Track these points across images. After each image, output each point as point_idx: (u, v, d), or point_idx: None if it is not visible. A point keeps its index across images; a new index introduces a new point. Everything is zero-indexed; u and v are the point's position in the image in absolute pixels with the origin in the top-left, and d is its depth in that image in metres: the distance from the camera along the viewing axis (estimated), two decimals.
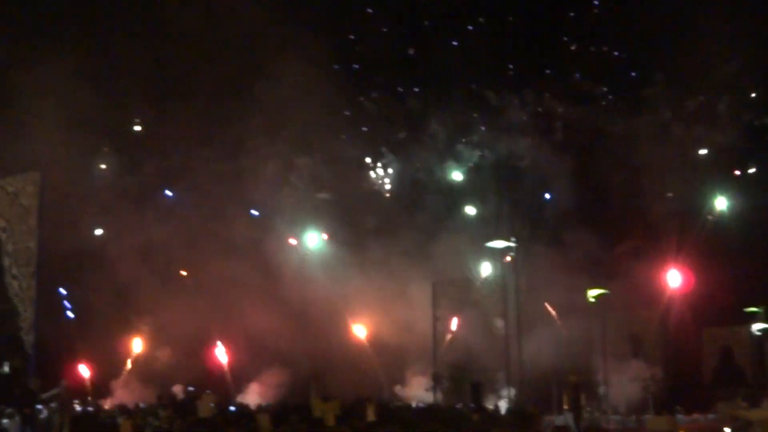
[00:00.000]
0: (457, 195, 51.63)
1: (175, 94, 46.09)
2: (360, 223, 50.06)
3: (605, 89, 49.98)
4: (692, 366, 49.06)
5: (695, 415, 44.32)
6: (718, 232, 49.05)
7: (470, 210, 51.14)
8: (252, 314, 45.91)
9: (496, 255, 47.24)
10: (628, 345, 48.71)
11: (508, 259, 44.83)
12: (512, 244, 44.47)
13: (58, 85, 40.85)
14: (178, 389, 40.01)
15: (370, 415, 30.93)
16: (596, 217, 49.31)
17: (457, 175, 51.60)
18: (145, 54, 44.57)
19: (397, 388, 47.12)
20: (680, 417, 43.58)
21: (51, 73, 40.51)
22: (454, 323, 44.28)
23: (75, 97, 41.47)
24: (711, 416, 43.70)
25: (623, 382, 47.33)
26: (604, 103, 50.06)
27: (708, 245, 49.30)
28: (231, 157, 48.59)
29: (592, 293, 45.34)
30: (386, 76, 50.87)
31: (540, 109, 50.41)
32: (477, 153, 50.97)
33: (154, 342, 45.06)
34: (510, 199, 50.83)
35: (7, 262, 27.83)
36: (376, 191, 51.16)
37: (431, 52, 50.93)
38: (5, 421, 24.22)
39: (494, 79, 50.32)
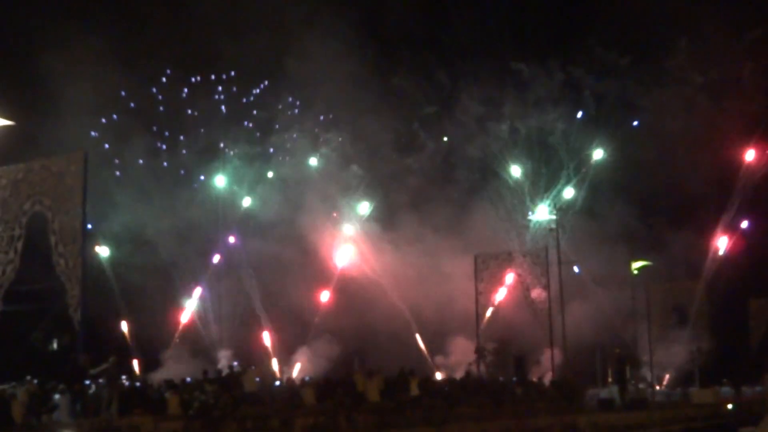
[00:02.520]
0: (494, 169, 51.42)
1: (206, 73, 46.39)
2: (399, 198, 50.13)
3: (630, 59, 49.37)
4: (738, 337, 48.59)
5: (742, 388, 43.94)
6: (761, 201, 48.49)
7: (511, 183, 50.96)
8: (295, 291, 46.22)
9: (539, 228, 47.15)
10: (673, 317, 48.40)
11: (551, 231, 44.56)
12: (554, 217, 44.24)
13: (93, 68, 41.25)
14: (224, 364, 40.48)
15: (414, 389, 30.97)
16: (638, 189, 48.91)
17: (492, 150, 51.37)
18: (175, 35, 44.94)
19: (439, 359, 47.24)
20: (726, 389, 43.24)
21: (87, 56, 40.87)
22: (496, 296, 44.20)
23: (109, 79, 41.86)
24: (758, 388, 43.28)
25: (669, 355, 47.08)
26: (631, 74, 49.54)
27: (752, 214, 48.81)
28: (262, 135, 48.83)
29: (636, 265, 44.94)
30: (414, 52, 50.74)
31: (569, 81, 50.07)
32: (508, 126, 50.66)
33: (200, 318, 45.55)
34: (548, 172, 50.66)
35: (53, 240, 28.01)
36: (411, 167, 51.02)
37: (458, 27, 50.78)
38: (56, 396, 24.62)
39: (521, 53, 50.07)
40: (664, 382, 47.34)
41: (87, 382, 25.96)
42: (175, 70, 45.97)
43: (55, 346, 38.56)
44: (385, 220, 49.72)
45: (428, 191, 50.19)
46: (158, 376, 36.43)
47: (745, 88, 48.12)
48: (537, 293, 41.32)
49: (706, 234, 49.41)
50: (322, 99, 48.25)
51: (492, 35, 49.79)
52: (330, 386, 30.18)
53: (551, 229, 44.35)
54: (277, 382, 34.62)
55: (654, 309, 47.89)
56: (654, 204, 48.81)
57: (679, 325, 48.24)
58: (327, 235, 48.47)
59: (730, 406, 40.50)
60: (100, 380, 25.65)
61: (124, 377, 29.80)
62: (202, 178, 48.24)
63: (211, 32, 45.27)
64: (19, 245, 28.84)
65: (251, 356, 41.69)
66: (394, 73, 50.13)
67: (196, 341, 44.37)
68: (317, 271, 48.03)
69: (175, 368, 38.85)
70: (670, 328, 47.85)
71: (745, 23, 46.63)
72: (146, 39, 44.64)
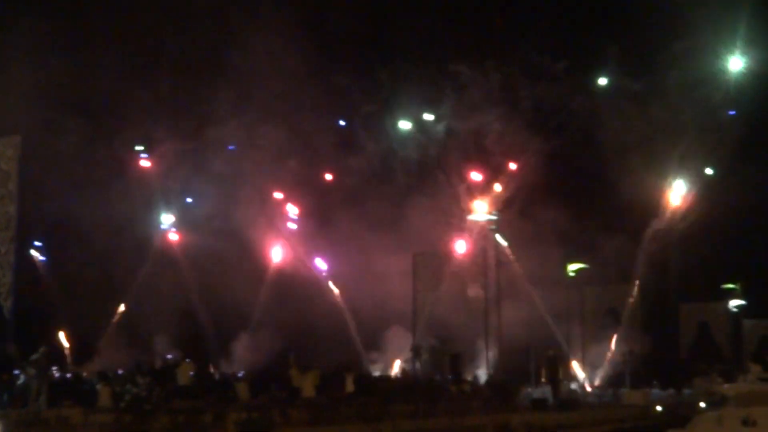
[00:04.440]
0: (432, 169, 51.64)
1: (145, 63, 45.79)
2: (336, 195, 50.11)
3: (564, 65, 50.05)
4: (669, 341, 49.53)
5: (671, 390, 44.81)
6: (694, 209, 49.44)
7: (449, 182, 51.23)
8: (230, 285, 45.91)
9: (477, 228, 47.50)
10: (605, 319, 49.13)
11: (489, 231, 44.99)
12: (493, 218, 44.60)
13: (31, 53, 40.45)
14: (160, 350, 40.19)
15: (349, 386, 31.02)
16: (574, 193, 49.50)
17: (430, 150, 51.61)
18: (115, 25, 44.25)
19: (375, 355, 47.33)
20: (656, 391, 44.08)
21: (25, 41, 40.05)
22: (434, 295, 44.31)
23: (48, 65, 41.06)
24: (687, 391, 44.16)
25: (600, 356, 47.80)
26: (564, 79, 50.25)
27: (683, 221, 49.71)
28: (199, 128, 48.31)
29: (571, 267, 45.56)
30: (354, 51, 50.74)
31: (506, 85, 50.59)
32: (446, 127, 50.96)
33: (134, 310, 44.97)
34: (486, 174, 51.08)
35: None
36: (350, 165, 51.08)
37: (397, 26, 50.96)
38: None
39: (459, 56, 50.44)
40: (596, 383, 48.05)
41: (16, 372, 25.46)
42: (113, 60, 45.25)
43: None
44: (322, 217, 49.69)
45: (366, 190, 50.18)
46: (92, 367, 35.95)
47: (671, 98, 49.04)
48: (474, 291, 41.63)
49: (637, 238, 50.30)
50: (260, 93, 47.84)
51: (430, 37, 50.20)
52: (265, 381, 30.08)
53: (490, 230, 44.75)
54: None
55: (587, 311, 48.61)
56: (587, 208, 49.39)
57: (611, 327, 49.06)
58: (263, 230, 48.21)
59: (659, 408, 41.30)
60: (30, 370, 25.17)
61: (54, 368, 29.27)
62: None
63: (151, 23, 44.68)
64: None
65: (187, 349, 41.22)
66: (334, 70, 50.12)
67: (132, 333, 43.81)
68: (254, 266, 47.76)
69: (110, 360, 38.34)
70: (603, 330, 48.59)
71: (672, 34, 47.60)
72: (84, 27, 43.87)
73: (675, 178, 50.05)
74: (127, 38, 44.47)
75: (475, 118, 50.04)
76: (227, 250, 45.92)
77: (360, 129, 50.90)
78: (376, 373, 43.22)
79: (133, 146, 47.11)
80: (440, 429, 31.32)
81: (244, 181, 48.15)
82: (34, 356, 25.37)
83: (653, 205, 49.88)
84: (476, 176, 50.86)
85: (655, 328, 49.06)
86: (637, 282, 50.04)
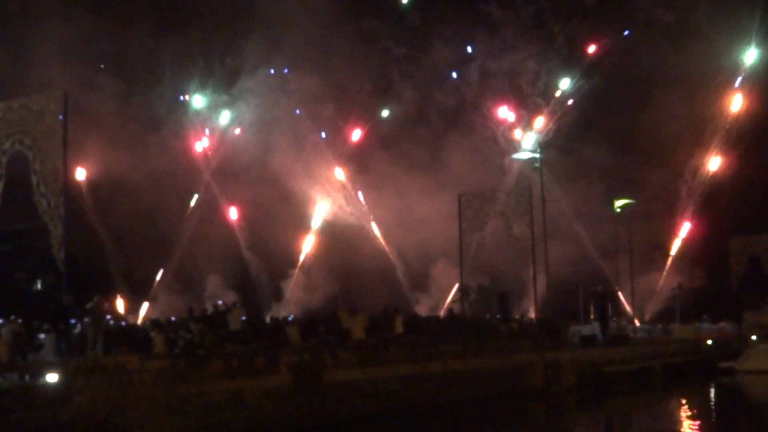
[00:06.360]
0: (471, 110, 51.32)
1: (177, 15, 45.70)
2: (374, 140, 50.08)
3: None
4: (719, 274, 49.06)
5: (722, 324, 44.54)
6: (741, 141, 48.62)
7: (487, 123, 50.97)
8: (279, 232, 46.22)
9: (521, 166, 47.22)
10: (654, 254, 48.78)
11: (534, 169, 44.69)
12: (537, 155, 44.19)
13: (67, 7, 40.58)
14: (212, 292, 40.73)
15: (398, 327, 31.15)
16: (612, 128, 48.90)
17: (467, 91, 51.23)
18: None
19: (422, 296, 47.56)
20: (706, 326, 43.84)
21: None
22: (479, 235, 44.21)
23: (84, 19, 41.18)
24: (737, 324, 43.88)
25: (649, 292, 47.55)
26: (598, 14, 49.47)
27: (731, 154, 48.96)
28: (233, 76, 48.23)
29: (618, 203, 45.05)
30: None
31: (537, 22, 49.99)
32: (480, 67, 50.53)
33: (184, 258, 45.53)
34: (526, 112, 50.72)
35: (35, 180, 27.80)
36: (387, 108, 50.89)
37: None
38: (41, 336, 24.60)
39: None
40: (646, 318, 47.88)
41: (72, 321, 25.92)
42: (146, 13, 45.23)
43: (39, 286, 38.45)
44: (361, 162, 49.75)
45: (405, 134, 50.07)
46: (145, 314, 36.53)
47: (702, 29, 47.95)
48: (519, 229, 41.48)
49: (682, 172, 49.71)
50: (291, 40, 47.61)
51: None
52: (315, 324, 30.27)
53: (533, 168, 44.39)
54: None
55: (635, 246, 48.25)
56: (629, 142, 48.78)
57: (660, 262, 48.72)
58: (303, 177, 48.33)
59: (709, 342, 41.13)
60: (86, 319, 25.62)
61: (108, 317, 29.77)
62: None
63: None
64: (0, 185, 28.68)
65: (238, 294, 41.76)
66: (365, 14, 49.79)
67: (182, 281, 44.41)
68: (297, 213, 48.02)
69: (162, 307, 38.95)
70: (651, 265, 48.28)
71: None
72: None
73: (716, 110, 49.29)
74: None
75: (509, 57, 49.60)
76: (269, 196, 46.18)
77: (396, 73, 50.74)
78: (425, 314, 43.40)
79: (169, 100, 47.24)
80: (490, 368, 31.49)
81: (280, 129, 48.24)
82: (89, 305, 25.78)
83: (696, 137, 49.20)
84: (515, 115, 50.62)
85: (704, 262, 48.62)
86: (685, 215, 49.59)
